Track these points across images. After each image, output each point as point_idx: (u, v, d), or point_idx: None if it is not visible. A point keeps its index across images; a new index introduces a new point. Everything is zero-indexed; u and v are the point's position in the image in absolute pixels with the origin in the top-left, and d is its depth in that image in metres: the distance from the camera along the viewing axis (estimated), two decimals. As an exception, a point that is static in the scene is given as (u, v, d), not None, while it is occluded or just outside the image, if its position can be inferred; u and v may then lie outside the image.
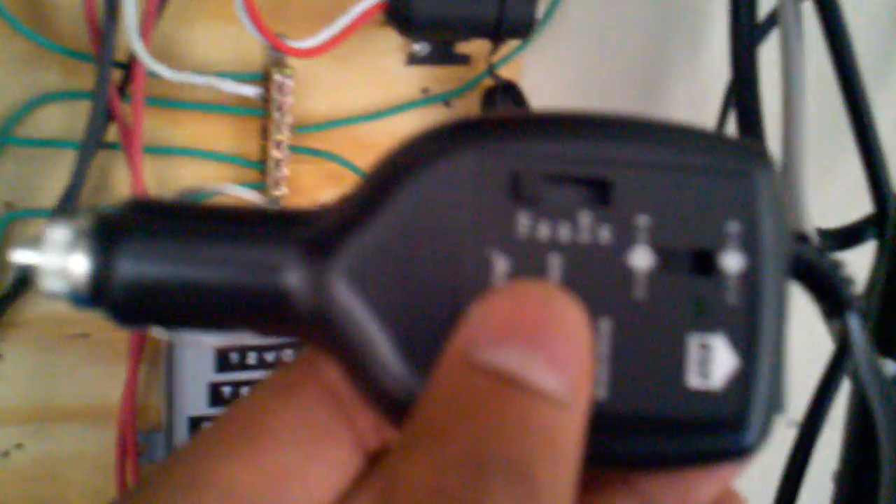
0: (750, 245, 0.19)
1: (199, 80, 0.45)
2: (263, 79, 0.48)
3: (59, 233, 0.18)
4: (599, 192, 0.19)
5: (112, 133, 0.46)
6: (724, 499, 0.22)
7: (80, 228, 0.18)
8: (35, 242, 0.18)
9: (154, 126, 0.48)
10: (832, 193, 0.59)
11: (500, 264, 0.18)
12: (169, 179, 0.49)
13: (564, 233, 0.19)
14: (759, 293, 0.19)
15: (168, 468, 0.19)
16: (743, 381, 0.19)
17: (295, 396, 0.20)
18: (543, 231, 0.19)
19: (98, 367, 0.52)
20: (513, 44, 0.50)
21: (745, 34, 0.49)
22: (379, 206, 0.19)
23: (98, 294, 0.18)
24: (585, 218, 0.19)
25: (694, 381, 0.19)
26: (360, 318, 0.18)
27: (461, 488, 0.16)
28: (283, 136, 0.48)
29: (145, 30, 0.43)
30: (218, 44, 0.48)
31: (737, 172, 0.19)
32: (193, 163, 0.49)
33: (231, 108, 0.49)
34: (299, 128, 0.50)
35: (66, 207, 0.46)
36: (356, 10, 0.45)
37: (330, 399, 0.20)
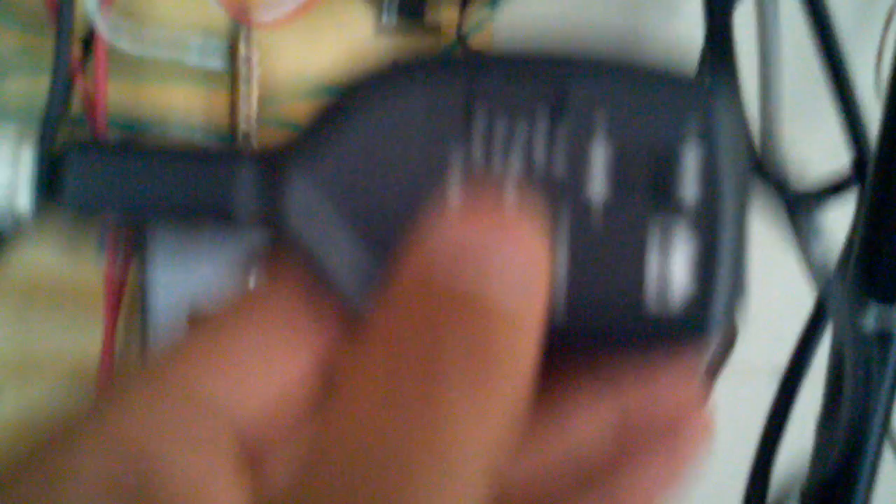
0: (708, 139, 0.19)
1: (163, 52, 0.44)
2: (230, 49, 0.47)
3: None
4: (555, 106, 0.19)
5: (76, 107, 0.45)
6: (688, 402, 0.21)
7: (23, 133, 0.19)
8: None
9: (119, 98, 0.47)
10: (810, 154, 0.58)
11: (458, 164, 0.18)
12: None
13: (522, 129, 0.19)
14: (719, 181, 0.19)
15: (139, 374, 0.19)
16: (705, 268, 0.19)
17: (259, 311, 0.20)
18: (501, 128, 0.19)
19: (74, 324, 0.52)
20: (483, 12, 0.49)
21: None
22: (331, 126, 0.19)
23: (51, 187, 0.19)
24: (541, 126, 0.19)
25: (654, 268, 0.19)
26: (316, 225, 0.18)
27: (414, 395, 0.16)
28: (252, 108, 0.48)
29: (107, 1, 0.42)
30: (179, 13, 0.47)
31: (694, 84, 0.19)
32: (160, 135, 0.49)
33: (197, 78, 0.48)
34: (267, 100, 0.49)
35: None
36: (320, -21, 0.45)
37: (293, 315, 0.20)
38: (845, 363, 0.42)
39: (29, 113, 0.46)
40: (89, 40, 0.44)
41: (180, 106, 0.48)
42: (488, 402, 0.16)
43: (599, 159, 0.19)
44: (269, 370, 0.19)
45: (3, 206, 0.18)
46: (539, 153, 0.19)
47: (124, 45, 0.43)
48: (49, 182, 0.19)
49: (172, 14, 0.47)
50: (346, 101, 0.19)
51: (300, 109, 0.50)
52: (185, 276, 0.47)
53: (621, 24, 0.56)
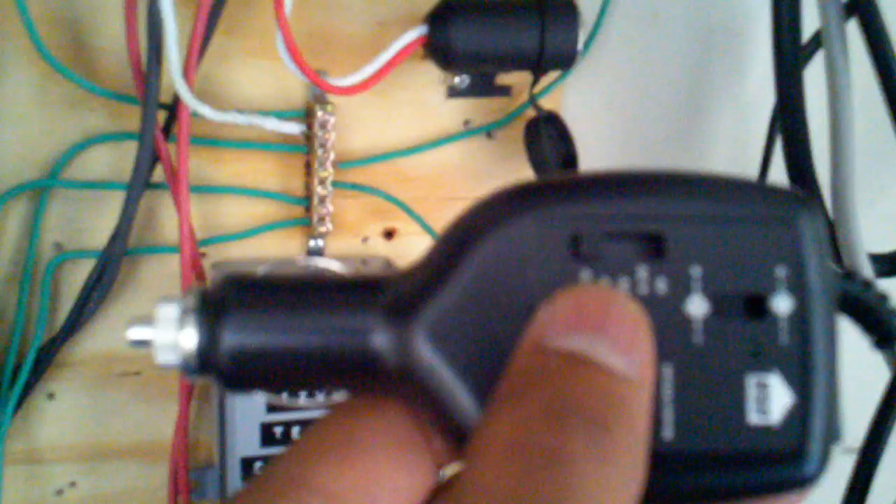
0: (798, 287, 0.20)
1: (242, 119, 0.46)
2: (306, 115, 0.49)
3: (168, 310, 0.20)
4: (654, 246, 0.20)
5: (158, 173, 0.47)
6: None
7: (187, 306, 0.20)
8: (148, 320, 0.20)
9: (199, 165, 0.48)
10: (882, 215, 0.58)
11: None
12: (214, 217, 0.50)
13: (624, 286, 0.20)
14: (810, 331, 0.20)
15: (271, 473, 0.20)
16: (799, 415, 0.20)
17: (380, 411, 0.21)
18: (604, 270, 0.20)
19: (149, 405, 0.53)
20: (554, 73, 0.50)
21: (789, 58, 0.48)
22: (450, 271, 0.20)
23: (206, 363, 0.20)
24: (642, 272, 0.20)
25: (754, 418, 0.20)
26: (440, 372, 0.20)
27: (543, 437, 0.17)
28: (327, 172, 0.49)
29: (188, 70, 0.43)
30: (259, 81, 0.48)
31: (781, 219, 0.20)
32: (238, 201, 0.50)
33: (274, 146, 0.49)
34: (342, 163, 0.50)
35: (115, 248, 0.46)
36: (397, 46, 0.46)
37: (410, 416, 0.21)
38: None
39: (116, 177, 0.48)
40: (173, 108, 0.45)
41: (258, 171, 0.50)
42: (619, 464, 0.17)
43: (697, 293, 0.20)
44: (394, 486, 0.21)
45: (172, 357, 0.20)
46: (642, 285, 0.20)
47: (206, 112, 0.44)
48: (208, 331, 0.20)
49: (252, 81, 0.48)
50: (460, 236, 0.21)
51: (374, 172, 0.51)
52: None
53: (691, 84, 0.56)
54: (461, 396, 0.20)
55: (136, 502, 0.53)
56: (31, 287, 0.48)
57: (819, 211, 0.21)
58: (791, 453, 0.20)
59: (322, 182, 0.48)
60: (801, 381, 0.20)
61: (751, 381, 0.20)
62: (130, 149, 0.45)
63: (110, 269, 0.48)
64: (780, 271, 0.20)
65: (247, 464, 0.49)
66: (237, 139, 0.49)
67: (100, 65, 0.46)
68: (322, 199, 0.49)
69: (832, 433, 0.21)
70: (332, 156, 0.48)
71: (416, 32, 0.46)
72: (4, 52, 0.45)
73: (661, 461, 0.20)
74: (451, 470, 0.22)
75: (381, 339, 0.20)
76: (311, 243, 0.51)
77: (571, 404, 0.18)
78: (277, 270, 0.21)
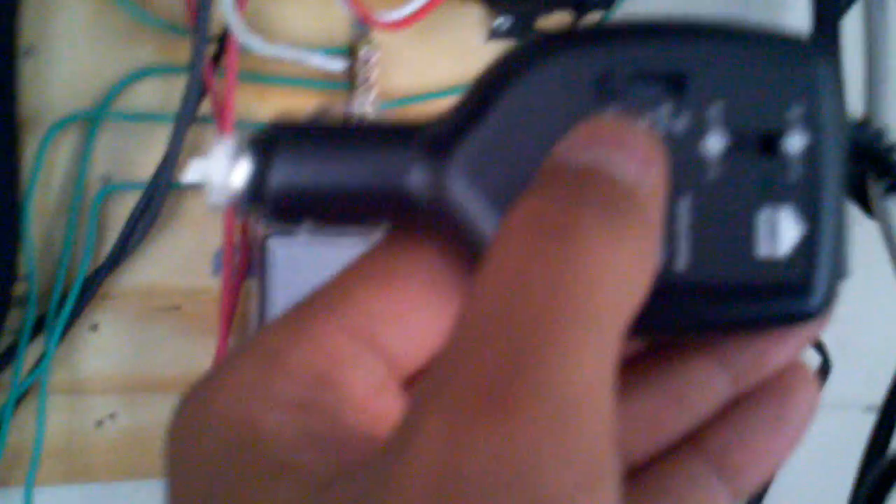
0: (812, 125, 0.21)
1: (289, 53, 0.47)
2: (349, 53, 0.50)
3: (223, 147, 0.21)
4: (675, 85, 0.21)
5: (205, 107, 0.48)
6: (795, 368, 0.24)
7: (239, 143, 0.21)
8: (204, 158, 0.22)
9: (244, 100, 0.49)
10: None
11: None
12: (258, 153, 0.51)
13: (647, 122, 0.21)
14: (821, 168, 0.21)
15: (316, 292, 0.22)
16: (808, 248, 0.21)
17: (417, 247, 0.22)
18: (629, 105, 0.21)
19: (188, 339, 0.54)
20: (595, 14, 0.51)
21: (828, 5, 0.49)
22: (483, 111, 0.21)
23: (256, 195, 0.21)
24: (665, 109, 0.21)
25: (764, 250, 0.21)
26: (472, 204, 0.21)
27: (556, 215, 0.18)
28: (369, 110, 0.50)
29: (239, 2, 0.44)
30: (305, 17, 0.49)
31: (799, 62, 0.21)
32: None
33: (318, 83, 0.50)
34: (383, 104, 0.51)
35: (160, 181, 0.47)
36: (440, -17, 0.46)
37: (445, 253, 0.22)
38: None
39: (164, 109, 0.49)
40: (223, 41, 0.46)
41: (302, 108, 0.51)
42: (627, 252, 0.18)
43: (716, 129, 0.21)
44: (427, 323, 0.22)
45: (223, 189, 0.21)
46: (663, 122, 0.21)
47: (255, 45, 0.45)
48: (260, 164, 0.21)
49: (297, 18, 0.49)
50: (492, 80, 0.22)
51: (416, 111, 0.52)
52: (303, 293, 0.49)
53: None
54: (492, 227, 0.21)
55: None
56: (79, 217, 0.49)
57: (835, 59, 0.21)
58: (797, 286, 0.21)
59: (366, 120, 0.49)
60: (811, 216, 0.21)
61: (762, 216, 0.21)
62: (180, 82, 0.46)
63: (156, 201, 0.49)
64: (796, 110, 0.21)
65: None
66: (282, 75, 0.50)
67: (153, -5, 0.47)
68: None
69: (839, 269, 0.22)
70: (373, 93, 0.49)
71: (460, -29, 0.47)
72: (60, -19, 0.46)
73: (674, 291, 0.21)
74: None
75: (417, 175, 0.21)
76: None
77: (587, 195, 0.18)
78: (322, 115, 0.22)
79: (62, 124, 0.48)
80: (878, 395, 0.49)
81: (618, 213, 0.18)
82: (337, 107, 0.50)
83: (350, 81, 0.50)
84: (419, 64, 0.52)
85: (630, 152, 0.19)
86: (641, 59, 0.21)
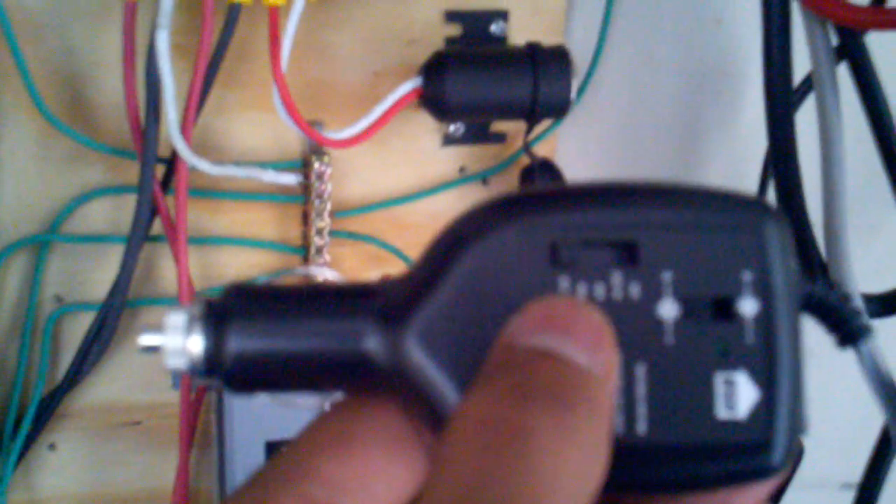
0: (763, 290, 0.22)
1: (240, 171, 0.46)
2: (303, 166, 0.49)
3: (176, 319, 0.21)
4: (628, 253, 0.22)
5: (156, 226, 0.47)
6: None
7: (193, 314, 0.21)
8: (157, 328, 0.21)
9: (197, 216, 0.49)
10: (875, 255, 0.59)
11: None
12: (213, 268, 0.50)
13: (600, 291, 0.21)
14: (774, 331, 0.22)
15: (274, 464, 0.22)
16: (765, 409, 0.22)
17: (375, 409, 0.22)
18: (581, 291, 0.21)
19: (150, 454, 0.53)
20: (547, 121, 0.51)
21: (781, 101, 0.49)
22: (437, 278, 0.22)
23: (212, 367, 0.21)
24: (617, 277, 0.22)
25: (722, 413, 0.21)
26: (430, 372, 0.21)
27: (509, 413, 0.18)
28: (324, 222, 0.49)
29: (186, 125, 0.44)
30: (256, 133, 0.49)
31: (747, 227, 0.22)
32: (237, 251, 0.50)
33: (272, 197, 0.50)
34: (338, 212, 0.50)
35: (114, 300, 0.47)
36: (391, 99, 0.46)
37: (403, 414, 0.22)
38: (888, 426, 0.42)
39: (114, 230, 0.48)
40: (171, 161, 0.46)
41: (255, 222, 0.50)
42: (580, 444, 0.18)
43: (668, 297, 0.22)
44: (390, 486, 0.22)
45: (180, 362, 0.21)
46: (616, 290, 0.21)
47: (203, 167, 0.45)
48: (215, 329, 0.21)
49: (249, 133, 0.49)
50: (446, 246, 0.22)
51: (371, 221, 0.52)
52: (261, 409, 0.48)
53: (684, 127, 0.57)
54: (449, 394, 0.21)
55: (137, 552, 0.54)
56: (32, 340, 0.49)
57: (784, 220, 0.22)
58: (758, 445, 0.22)
59: (319, 232, 0.49)
60: (767, 378, 0.22)
61: (719, 379, 0.22)
62: (129, 202, 0.46)
63: (110, 321, 0.48)
64: (747, 276, 0.22)
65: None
66: (235, 190, 0.49)
67: (98, 120, 0.46)
68: (319, 249, 0.49)
69: (798, 425, 0.22)
70: (328, 206, 0.49)
71: (410, 84, 0.47)
72: (4, 107, 0.45)
73: (636, 454, 0.21)
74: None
75: (374, 343, 0.22)
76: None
77: (537, 386, 0.19)
78: (277, 280, 0.22)
79: (12, 248, 0.47)
80: (855, 472, 0.48)
81: (568, 407, 0.19)
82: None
83: (305, 194, 0.49)
84: (375, 172, 0.51)
85: (580, 337, 0.20)
86: (592, 228, 0.22)
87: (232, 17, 0.43)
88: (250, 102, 0.48)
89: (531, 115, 0.47)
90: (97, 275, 0.49)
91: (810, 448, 0.57)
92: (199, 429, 0.51)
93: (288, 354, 0.22)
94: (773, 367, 0.22)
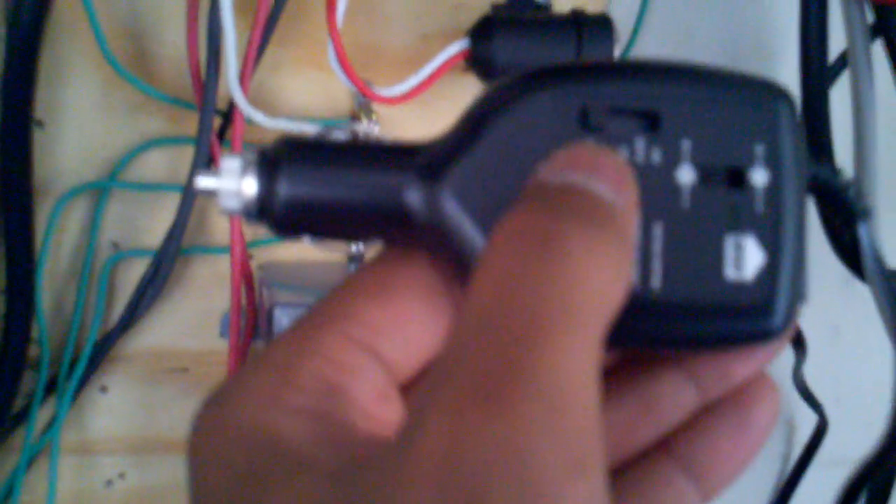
0: (774, 163, 0.23)
1: (293, 125, 0.48)
2: (351, 123, 0.51)
3: (232, 163, 0.23)
4: (650, 121, 0.23)
5: (212, 177, 0.49)
6: (758, 380, 0.26)
7: (248, 160, 0.23)
8: (214, 171, 0.23)
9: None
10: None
11: None
12: (263, 220, 0.52)
13: (623, 154, 0.23)
14: (782, 201, 0.23)
15: (317, 308, 0.24)
16: (770, 273, 0.23)
17: (411, 262, 0.24)
18: (608, 138, 0.23)
19: (196, 400, 0.54)
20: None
21: (816, 77, 0.50)
22: (474, 137, 0.23)
23: (263, 210, 0.23)
24: (640, 142, 0.23)
25: (730, 273, 0.23)
26: (462, 224, 0.23)
27: (542, 221, 0.20)
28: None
29: (244, 78, 0.46)
30: (308, 90, 0.51)
31: (762, 104, 0.23)
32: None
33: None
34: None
35: (169, 248, 0.49)
36: (440, 58, 0.48)
37: (437, 268, 0.24)
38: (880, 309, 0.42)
39: (171, 179, 0.50)
40: (228, 114, 0.48)
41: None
42: (604, 261, 0.20)
43: (685, 163, 0.23)
44: (423, 333, 0.24)
45: (234, 203, 0.23)
46: (639, 154, 0.23)
47: (259, 119, 0.46)
48: (266, 181, 0.23)
49: (302, 90, 0.51)
50: (482, 110, 0.24)
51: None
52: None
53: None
54: (479, 244, 0.23)
55: (182, 495, 0.55)
56: (89, 284, 0.51)
57: (794, 101, 0.24)
58: (760, 307, 0.23)
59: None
60: (773, 244, 0.23)
61: (729, 242, 0.23)
62: (187, 152, 0.48)
63: (164, 267, 0.50)
64: (759, 148, 0.23)
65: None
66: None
67: (160, 71, 0.49)
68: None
69: (798, 293, 0.23)
70: (376, 162, 0.50)
71: (458, 46, 0.48)
72: (72, 56, 0.47)
73: (649, 307, 0.23)
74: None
75: (413, 195, 0.23)
76: (353, 248, 0.53)
77: (568, 207, 0.20)
78: (326, 134, 0.24)
79: (73, 194, 0.49)
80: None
81: (596, 224, 0.20)
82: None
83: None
84: (421, 133, 0.53)
85: (605, 175, 0.21)
86: (618, 97, 0.23)
87: (291, -25, 0.45)
88: (304, 60, 0.50)
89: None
90: (153, 223, 0.51)
91: (834, 426, 0.59)
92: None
93: (333, 202, 0.23)
94: (779, 234, 0.23)
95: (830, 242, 0.49)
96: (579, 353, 0.18)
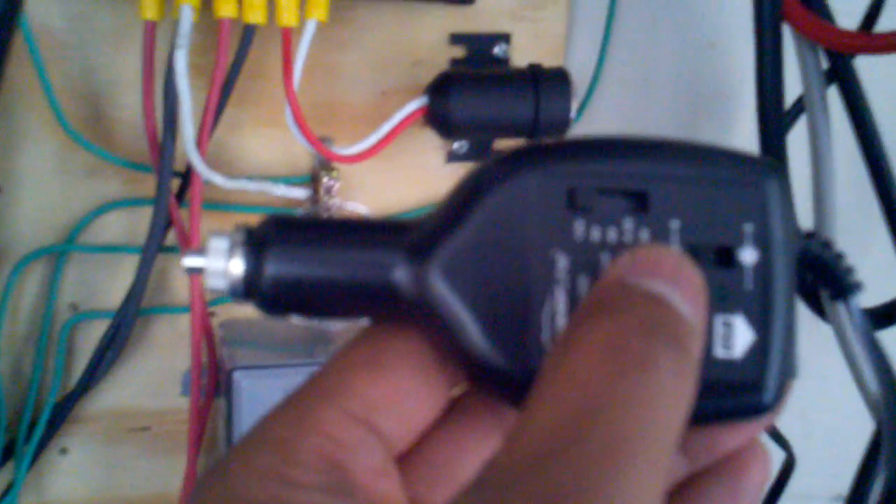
0: (763, 240, 0.23)
1: (252, 185, 0.48)
2: (311, 181, 0.51)
3: (220, 242, 0.23)
4: (639, 202, 0.23)
5: (170, 237, 0.49)
6: (750, 448, 0.26)
7: (235, 240, 0.23)
8: (201, 251, 0.23)
9: (209, 228, 0.50)
10: (865, 272, 0.60)
11: (562, 261, 0.23)
12: (224, 279, 0.52)
13: (612, 235, 0.23)
14: (772, 280, 0.23)
15: (312, 383, 0.24)
16: (759, 351, 0.23)
17: (401, 336, 0.24)
18: (595, 234, 0.23)
19: (158, 459, 0.54)
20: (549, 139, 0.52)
21: (774, 122, 0.50)
22: (462, 218, 0.23)
23: (250, 289, 0.23)
24: (628, 223, 0.23)
25: (720, 352, 0.23)
26: (451, 303, 0.23)
27: (637, 343, 0.20)
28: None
29: (201, 140, 0.45)
30: (268, 148, 0.51)
31: (752, 182, 0.24)
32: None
33: (282, 210, 0.51)
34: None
35: (128, 309, 0.48)
36: (398, 116, 0.48)
37: (426, 343, 0.24)
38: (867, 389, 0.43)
39: (130, 241, 0.50)
40: (186, 175, 0.48)
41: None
42: (685, 384, 0.20)
43: (675, 244, 0.23)
44: (419, 406, 0.24)
45: (221, 283, 0.23)
46: (628, 234, 0.23)
47: (218, 180, 0.46)
48: (255, 254, 0.23)
49: (261, 149, 0.51)
50: (470, 189, 0.24)
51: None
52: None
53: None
54: (469, 324, 0.23)
55: (144, 555, 0.55)
56: (48, 346, 0.50)
57: (786, 177, 0.24)
58: (751, 384, 0.23)
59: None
60: (762, 322, 0.23)
61: (718, 321, 0.23)
62: (145, 214, 0.47)
63: (124, 328, 0.50)
64: (748, 227, 0.23)
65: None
66: (247, 203, 0.51)
67: (117, 135, 0.48)
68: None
69: (789, 369, 0.24)
70: (336, 219, 0.50)
71: (417, 103, 0.48)
72: (28, 122, 0.47)
73: None
74: (458, 391, 0.26)
75: (401, 275, 0.23)
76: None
77: (661, 326, 0.20)
78: (313, 213, 0.23)
79: (30, 258, 0.49)
80: (844, 484, 0.50)
81: (682, 349, 0.20)
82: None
83: (313, 209, 0.51)
84: (381, 188, 0.53)
85: (689, 290, 0.21)
86: (606, 177, 0.23)
87: (247, 37, 0.45)
88: (263, 119, 0.50)
89: (532, 133, 0.48)
90: (112, 284, 0.50)
91: (801, 462, 0.59)
92: (207, 434, 0.53)
93: (321, 281, 0.23)
94: (769, 312, 0.23)
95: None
96: (656, 478, 0.19)
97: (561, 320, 0.23)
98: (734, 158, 0.24)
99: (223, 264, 0.23)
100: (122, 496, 0.54)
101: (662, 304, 0.21)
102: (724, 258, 0.23)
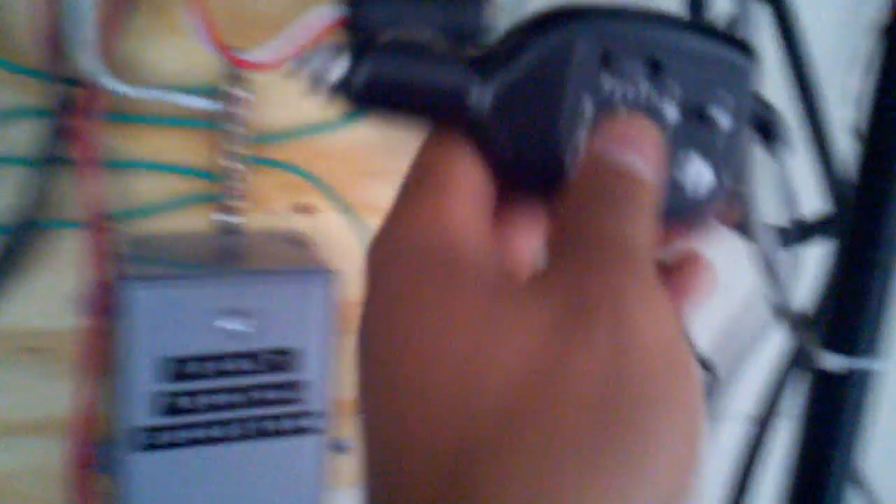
0: (736, 112, 0.30)
1: (158, 95, 0.45)
2: (224, 91, 0.48)
3: (330, 45, 0.29)
4: (654, 68, 0.29)
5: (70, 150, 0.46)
6: (691, 258, 0.31)
7: (342, 45, 0.29)
8: (310, 56, 0.29)
9: (115, 141, 0.48)
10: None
11: (588, 107, 0.29)
12: (128, 194, 0.49)
13: (630, 92, 0.29)
14: (737, 140, 0.30)
15: (416, 186, 0.28)
16: (716, 189, 0.30)
17: (464, 150, 0.29)
18: (618, 90, 0.29)
19: (48, 381, 0.52)
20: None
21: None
22: (515, 55, 0.29)
23: (348, 83, 0.28)
24: (643, 85, 0.29)
25: (689, 187, 0.30)
26: (495, 120, 0.29)
27: (616, 157, 0.28)
28: (242, 148, 0.48)
29: (106, 47, 0.42)
30: (180, 58, 0.48)
31: (739, 64, 0.30)
32: (153, 176, 0.49)
33: (191, 122, 0.49)
34: (260, 139, 0.50)
35: (21, 224, 0.46)
36: (310, 19, 0.45)
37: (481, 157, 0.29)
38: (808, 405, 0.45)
39: (26, 153, 0.47)
40: (87, 85, 0.45)
41: (174, 148, 0.49)
42: (643, 206, 0.27)
43: (674, 105, 0.30)
44: (479, 206, 0.28)
45: (325, 77, 0.28)
46: (643, 95, 0.29)
47: (123, 88, 0.43)
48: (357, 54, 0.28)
49: (173, 58, 0.48)
50: (528, 32, 0.29)
51: (292, 149, 0.51)
52: (163, 336, 0.47)
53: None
54: (517, 128, 0.29)
55: (33, 478, 0.53)
56: (-64, 263, 0.47)
57: (759, 60, 0.30)
58: (714, 190, 0.30)
59: (237, 158, 0.48)
60: (723, 171, 0.30)
61: (694, 158, 0.30)
62: (43, 125, 0.44)
63: (16, 245, 0.47)
64: (730, 99, 0.30)
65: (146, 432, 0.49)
66: (155, 115, 0.48)
67: (12, 41, 0.45)
68: (238, 175, 0.49)
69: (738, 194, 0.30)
70: (247, 132, 0.48)
71: (334, 12, 0.46)
72: None
73: None
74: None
75: (468, 87, 0.28)
76: (226, 218, 0.51)
77: (625, 174, 0.28)
78: (404, 34, 0.30)
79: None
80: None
81: (639, 200, 0.27)
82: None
83: (226, 120, 0.48)
84: (296, 98, 0.50)
85: (647, 154, 0.28)
86: (633, 45, 0.29)
87: (153, -66, 0.42)
88: (173, 27, 0.47)
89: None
90: (5, 199, 0.47)
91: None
92: (99, 356, 0.50)
93: (405, 82, 0.28)
94: (731, 163, 0.30)
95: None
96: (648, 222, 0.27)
97: (581, 143, 0.28)
98: (731, 42, 0.30)
99: (330, 63, 0.28)
100: (10, 418, 0.52)
101: (626, 175, 0.27)
102: (706, 119, 0.30)
